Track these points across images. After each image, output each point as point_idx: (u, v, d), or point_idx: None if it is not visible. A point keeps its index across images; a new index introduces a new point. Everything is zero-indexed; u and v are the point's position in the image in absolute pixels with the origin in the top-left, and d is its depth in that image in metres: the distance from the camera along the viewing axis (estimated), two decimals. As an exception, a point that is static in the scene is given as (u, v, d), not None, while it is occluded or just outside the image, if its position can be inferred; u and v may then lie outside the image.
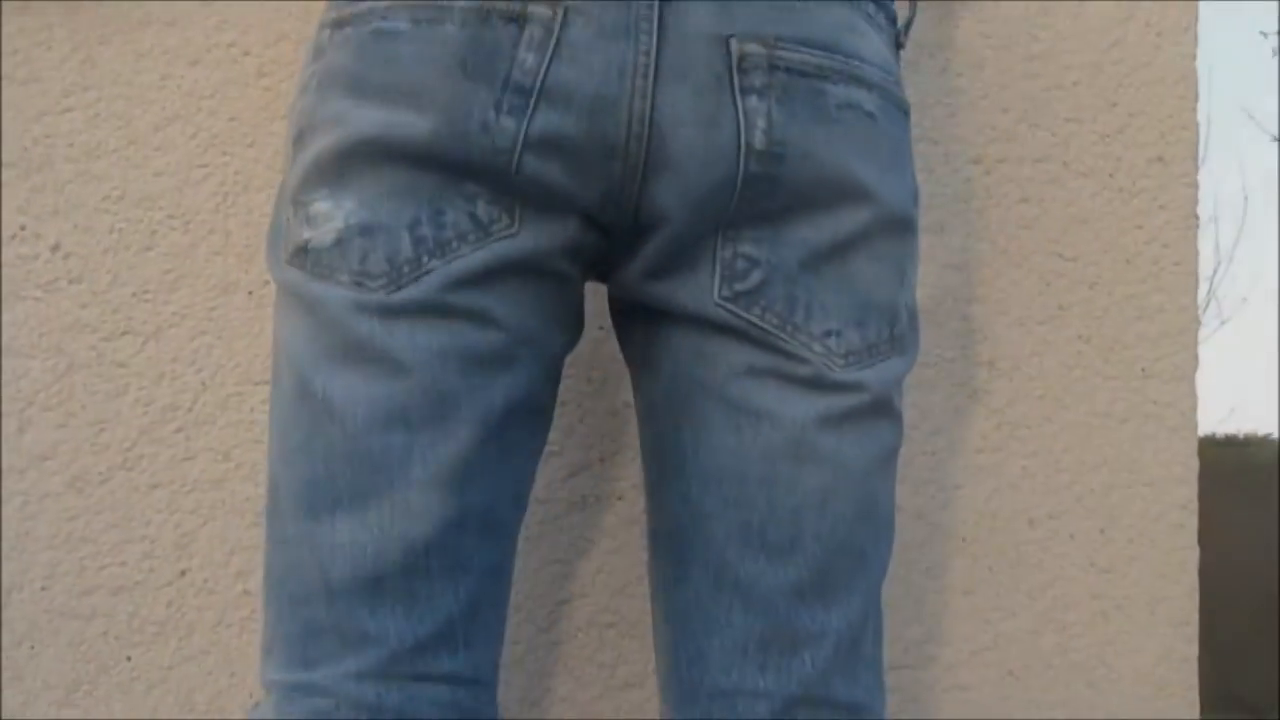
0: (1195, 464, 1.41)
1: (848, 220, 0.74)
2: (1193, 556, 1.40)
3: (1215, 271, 7.34)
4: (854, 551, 0.75)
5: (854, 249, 0.75)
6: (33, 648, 1.16)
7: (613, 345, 1.27)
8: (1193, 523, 1.41)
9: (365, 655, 0.71)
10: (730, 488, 0.74)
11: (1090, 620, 1.36)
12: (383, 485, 0.70)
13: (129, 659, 1.17)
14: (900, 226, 0.77)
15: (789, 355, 0.73)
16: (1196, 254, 1.44)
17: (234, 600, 1.18)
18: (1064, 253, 1.38)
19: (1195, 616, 1.40)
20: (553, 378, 0.77)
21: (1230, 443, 6.65)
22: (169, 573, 1.18)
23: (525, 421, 0.75)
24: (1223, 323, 6.66)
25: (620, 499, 1.26)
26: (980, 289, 1.36)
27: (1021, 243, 1.36)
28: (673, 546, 0.77)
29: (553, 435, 1.24)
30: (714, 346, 0.74)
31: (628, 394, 1.27)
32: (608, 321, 1.27)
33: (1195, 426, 1.43)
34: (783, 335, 0.74)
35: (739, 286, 0.73)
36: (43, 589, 1.16)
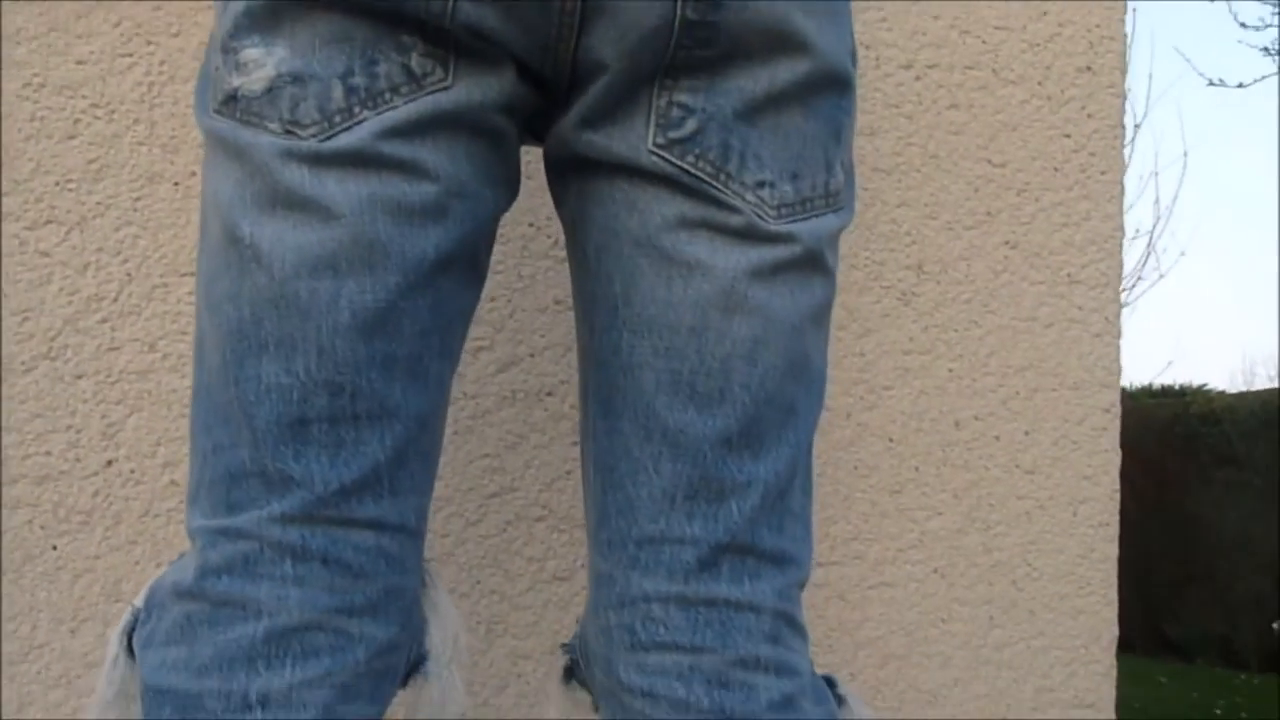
0: (1119, 369, 1.44)
1: (785, 72, 0.74)
2: (1114, 460, 1.43)
3: (1154, 227, 7.42)
4: (783, 404, 0.76)
5: (790, 102, 0.75)
6: (-45, 536, 1.15)
7: (542, 243, 1.27)
8: (1115, 426, 1.43)
9: (289, 499, 0.71)
10: (661, 338, 0.75)
11: (1014, 520, 1.39)
12: (310, 330, 0.70)
13: (55, 548, 1.16)
14: (838, 82, 0.77)
15: (721, 205, 0.74)
16: (1123, 164, 1.46)
17: (161, 490, 1.17)
18: (992, 159, 1.39)
19: (1116, 518, 1.43)
20: (486, 235, 0.77)
21: (1167, 393, 6.77)
22: (95, 463, 1.17)
23: (457, 275, 0.75)
24: (1161, 276, 6.73)
25: (550, 394, 1.27)
26: (909, 193, 1.37)
27: (951, 148, 1.38)
28: (603, 398, 0.78)
29: (483, 330, 1.24)
30: (646, 197, 0.75)
31: (557, 291, 1.28)
32: (539, 218, 1.28)
33: (1119, 333, 1.45)
34: (715, 184, 0.74)
35: (673, 134, 0.74)
36: (-35, 477, 1.15)
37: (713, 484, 0.75)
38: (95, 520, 1.16)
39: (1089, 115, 1.42)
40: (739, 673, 0.74)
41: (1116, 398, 1.44)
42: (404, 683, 0.79)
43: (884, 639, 1.35)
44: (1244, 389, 6.30)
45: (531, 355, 1.26)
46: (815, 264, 0.78)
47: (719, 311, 0.74)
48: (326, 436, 0.70)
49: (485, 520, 1.24)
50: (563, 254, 1.28)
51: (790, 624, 0.77)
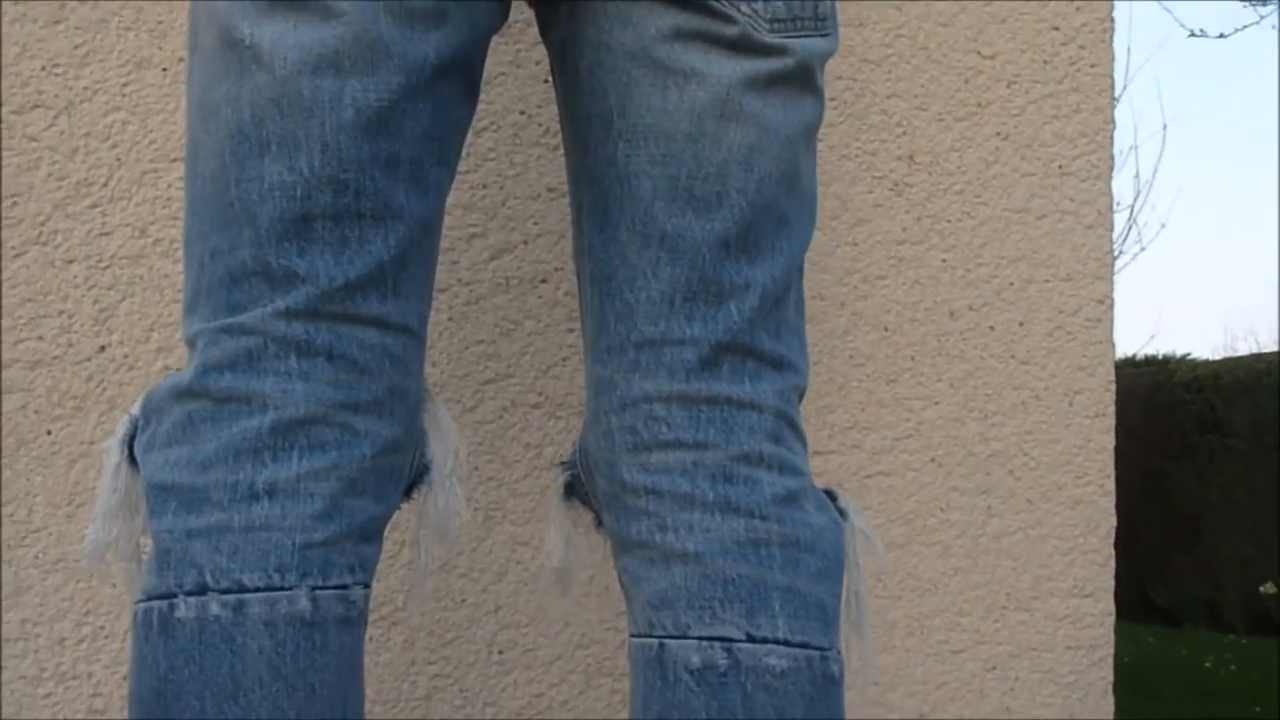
0: (1111, 261, 1.44)
1: None
2: (1109, 351, 1.43)
3: (1136, 199, 7.45)
4: (777, 214, 0.76)
5: None
6: (-52, 421, 1.14)
7: (534, 130, 1.27)
8: (1110, 317, 1.44)
9: (294, 294, 0.70)
10: (658, 145, 0.74)
11: (1010, 410, 1.39)
12: (313, 128, 0.69)
13: (49, 433, 1.15)
14: None
15: (716, 15, 0.73)
16: (1113, 58, 1.46)
17: (155, 375, 1.16)
18: (982, 50, 1.39)
19: (1112, 409, 1.43)
20: (481, 49, 0.77)
21: (1150, 363, 6.79)
22: (88, 348, 1.16)
23: (455, 85, 0.74)
24: (1143, 249, 6.76)
25: (544, 281, 1.26)
26: (900, 84, 1.37)
27: (940, 39, 1.37)
28: (599, 211, 0.77)
29: (475, 217, 1.24)
30: (640, 10, 0.74)
31: (550, 179, 1.27)
32: (530, 106, 1.27)
33: (1111, 225, 1.45)
34: None
35: None
36: (-44, 362, 1.14)
37: (711, 286, 0.74)
38: (89, 405, 1.15)
39: (1077, 8, 1.42)
40: (742, 467, 0.73)
41: (1110, 290, 1.44)
42: (407, 493, 0.78)
43: (882, 528, 1.35)
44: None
45: (525, 242, 1.26)
46: (807, 80, 0.78)
47: (715, 119, 0.74)
48: (330, 234, 0.70)
49: (481, 406, 1.24)
50: (554, 142, 1.27)
51: (791, 426, 0.77)
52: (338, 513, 0.70)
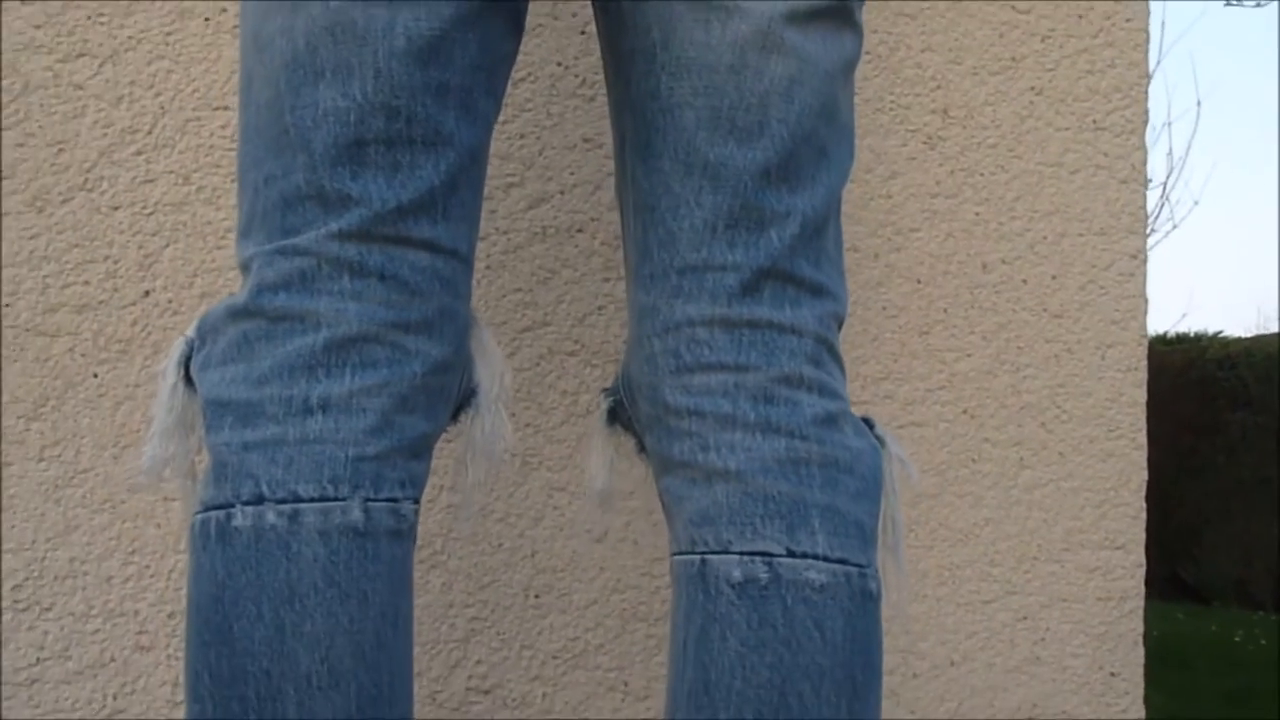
0: (1144, 216, 1.44)
1: None
2: (1141, 305, 1.43)
3: (1169, 176, 7.40)
4: (817, 145, 0.77)
5: None
6: (-2, 363, 1.16)
7: (570, 81, 1.28)
8: (1142, 273, 1.44)
9: (347, 216, 0.71)
10: (700, 77, 0.75)
11: (1043, 363, 1.39)
12: (366, 55, 0.71)
13: (95, 376, 1.17)
14: None
15: None
16: (1148, 13, 1.46)
17: (198, 320, 1.18)
18: (1017, 4, 1.39)
19: (1144, 363, 1.43)
20: None
21: (1181, 340, 6.76)
22: (133, 293, 1.18)
23: (502, 16, 0.75)
24: (1175, 226, 6.72)
25: (580, 231, 1.27)
26: (934, 38, 1.37)
27: (975, -7, 1.38)
28: (641, 142, 0.78)
29: (513, 167, 1.25)
30: None
31: (586, 129, 1.28)
32: (566, 57, 1.28)
33: (1145, 181, 1.45)
34: None
35: None
36: (7, 306, 1.16)
37: (753, 213, 0.75)
38: (134, 349, 1.18)
39: (1112, -38, 1.42)
40: (783, 389, 0.75)
41: (1143, 244, 1.44)
42: (454, 416, 0.79)
43: (915, 478, 1.35)
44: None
45: (561, 192, 1.27)
46: (847, 16, 0.79)
47: (756, 51, 0.75)
48: (383, 158, 0.71)
49: (519, 354, 1.25)
50: (591, 93, 1.28)
51: (830, 352, 0.78)
52: (389, 428, 0.71)
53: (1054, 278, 1.40)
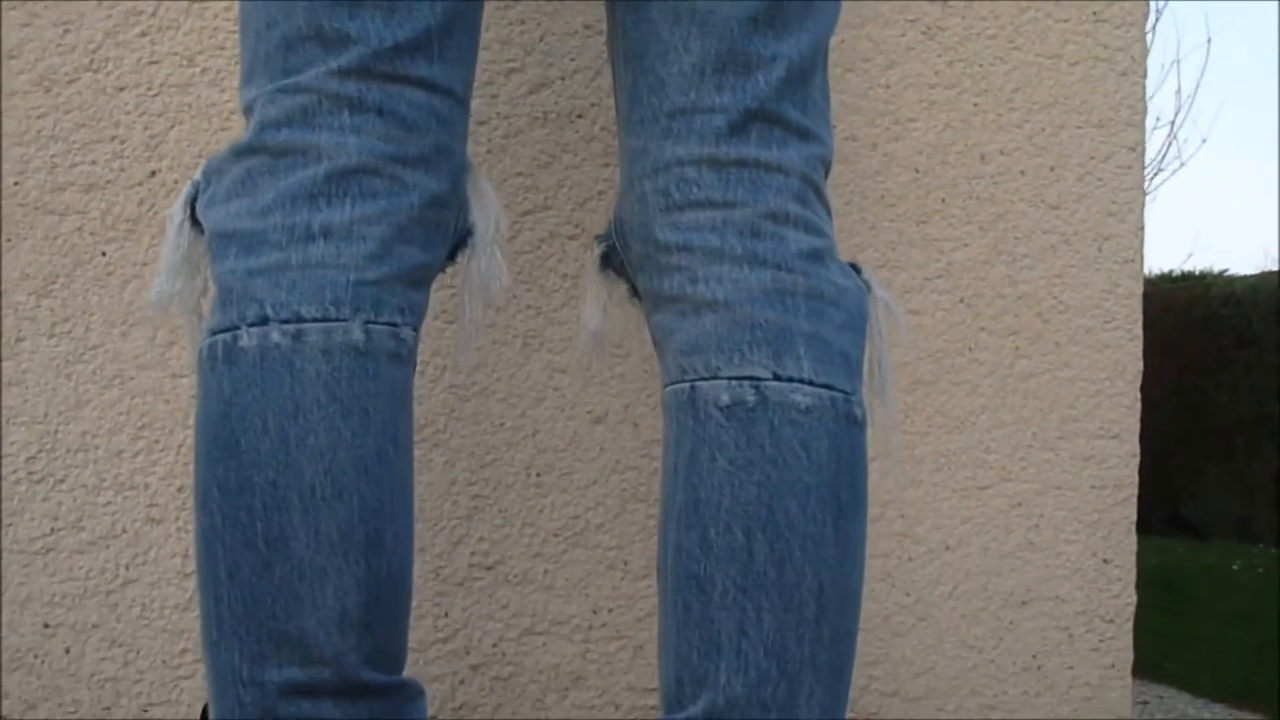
0: (1144, 108, 1.45)
1: None
2: (1139, 198, 1.45)
3: (1176, 115, 7.36)
4: None
5: None
6: (9, 240, 1.18)
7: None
8: (1139, 165, 1.45)
9: (346, 54, 0.73)
10: None
11: (1040, 253, 1.41)
12: None
13: (104, 254, 1.19)
14: None
15: None
16: (1145, -97, 1.46)
17: (204, 200, 1.20)
18: (1017, -105, 1.39)
19: (1141, 255, 1.45)
20: None
21: (1187, 278, 6.75)
22: (139, 173, 1.20)
23: None
24: (1182, 164, 6.69)
25: (580, 117, 1.29)
26: (934, -72, 1.37)
27: (975, -117, 1.38)
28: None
29: (514, 52, 1.26)
30: None
31: (586, 16, 1.29)
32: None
33: (1144, 73, 1.46)
34: None
35: None
36: (15, 184, 1.18)
37: (740, 58, 0.77)
38: (141, 229, 1.19)
39: None
40: (769, 224, 0.76)
41: (1141, 137, 1.45)
42: (452, 256, 0.81)
43: (912, 365, 1.37)
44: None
45: (562, 78, 1.28)
46: None
47: None
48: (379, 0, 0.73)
49: (520, 237, 1.27)
50: (591, -21, 1.29)
51: (816, 193, 0.79)
52: (388, 255, 0.73)
53: (1052, 169, 1.41)
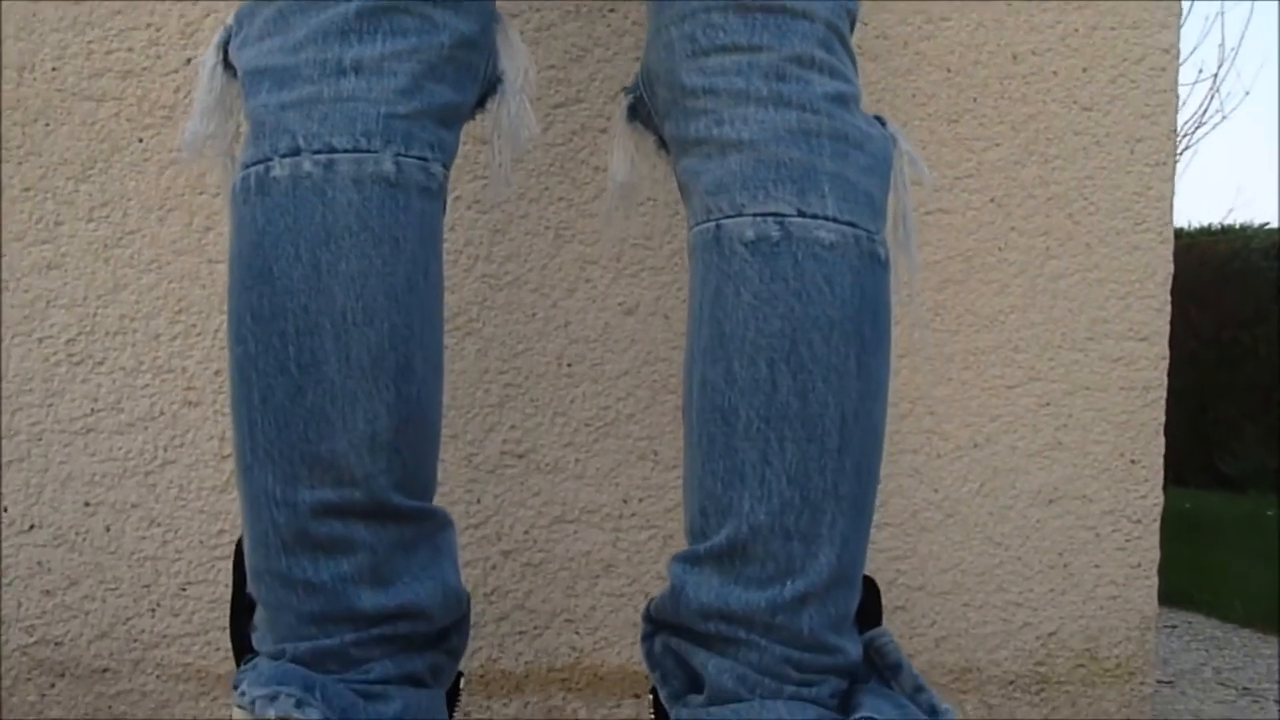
0: (1179, 10, 1.44)
1: None
2: (1172, 100, 1.44)
3: (1219, 68, 7.26)
4: None
5: None
6: (47, 125, 1.20)
7: None
8: (1174, 67, 1.44)
9: None
10: None
11: (1071, 154, 1.40)
12: None
13: (140, 140, 1.21)
14: None
15: None
16: None
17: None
18: None
19: (1172, 159, 1.44)
20: None
21: (1228, 231, 6.68)
22: (175, 60, 1.21)
23: None
24: (1224, 117, 6.61)
25: (612, 11, 1.29)
26: None
27: None
28: None
29: (546, -55, 1.26)
30: None
31: (619, -91, 1.29)
32: None
33: (1179, -26, 1.45)
34: None
35: None
36: (53, 70, 1.19)
37: None
38: (178, 115, 1.21)
39: None
40: (794, 68, 0.77)
41: (1175, 38, 1.44)
42: (481, 104, 0.82)
43: (942, 263, 1.38)
44: (1305, 226, 6.19)
45: (594, -29, 1.28)
46: None
47: None
48: None
49: (552, 129, 1.28)
50: (623, -126, 1.29)
51: (842, 41, 0.80)
52: (419, 91, 0.74)
53: (1084, 70, 1.40)
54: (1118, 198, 1.41)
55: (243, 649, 0.74)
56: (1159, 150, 1.42)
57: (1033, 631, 1.39)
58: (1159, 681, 1.86)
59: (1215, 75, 6.76)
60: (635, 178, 0.88)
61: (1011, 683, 1.39)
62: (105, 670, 1.20)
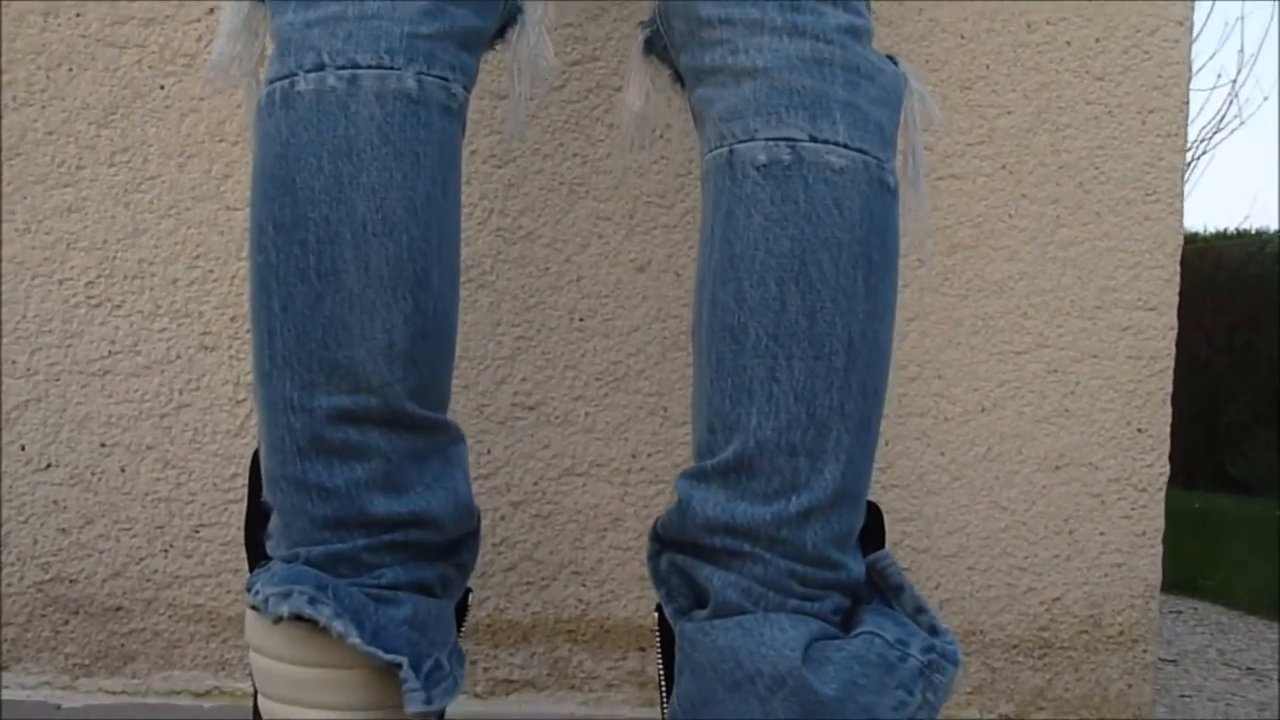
0: (1192, -18, 1.45)
1: None
2: (1185, 72, 1.45)
3: (1239, 73, 7.25)
4: None
5: None
6: (70, 70, 1.21)
7: None
8: (1188, 40, 1.45)
9: None
10: None
11: (1083, 124, 1.41)
12: None
13: (162, 88, 1.22)
14: None
15: None
16: None
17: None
18: None
19: (1185, 130, 1.45)
20: None
21: (1242, 236, 6.67)
22: (198, 9, 1.23)
23: None
24: (1242, 122, 6.60)
25: (630, -30, 1.30)
26: None
27: None
28: None
29: (565, -97, 1.28)
30: None
31: None
32: None
33: (1193, -53, 1.46)
34: None
35: None
36: (77, 15, 1.21)
37: None
38: (198, 64, 1.22)
39: None
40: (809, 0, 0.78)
41: (1190, 12, 1.45)
42: (501, 34, 0.83)
43: (952, 228, 1.39)
44: (1320, 232, 6.18)
45: (612, -70, 1.30)
46: None
47: None
48: None
49: (568, 87, 1.29)
50: None
51: None
52: (441, 14, 0.75)
53: (1098, 40, 1.41)
54: (1128, 168, 1.42)
55: (257, 557, 0.75)
56: (1171, 121, 1.43)
57: (1037, 597, 1.40)
58: (1163, 660, 1.86)
59: (1234, 81, 6.74)
60: (650, 110, 0.90)
61: (1015, 647, 1.40)
62: (118, 609, 1.21)
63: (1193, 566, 2.66)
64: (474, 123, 1.28)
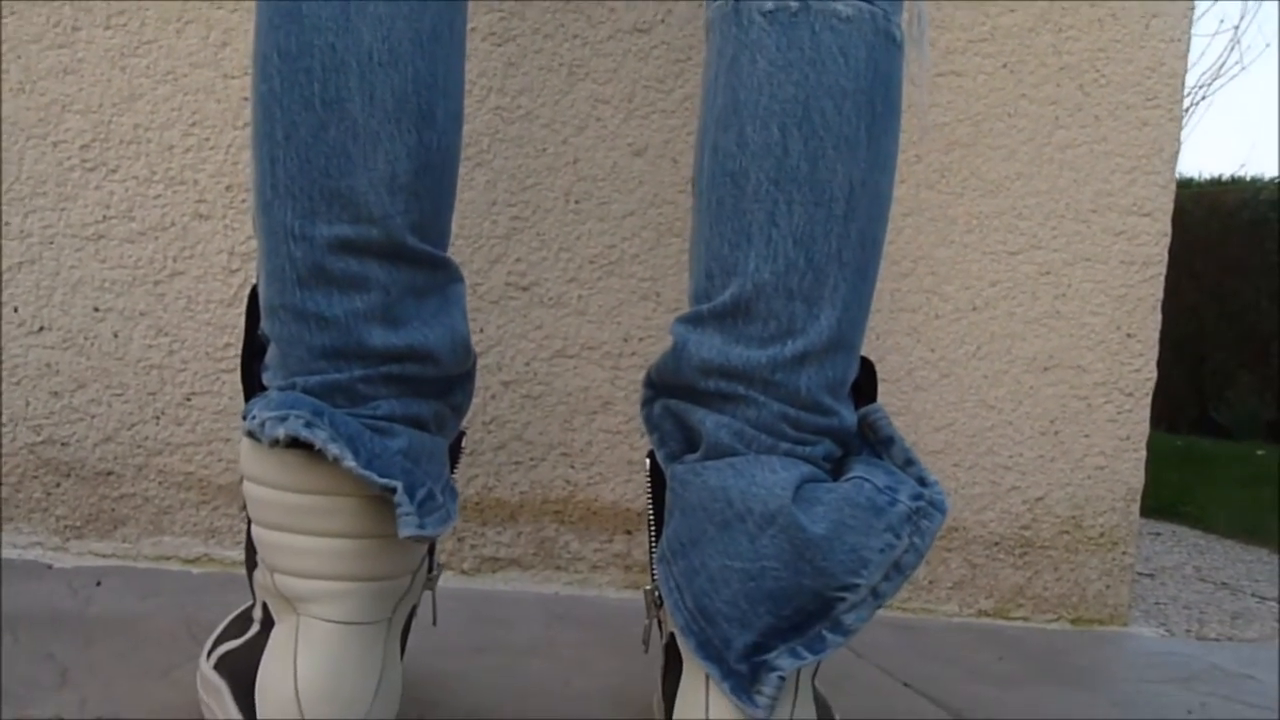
0: (1201, -113, 1.43)
1: None
2: (1191, -20, 1.44)
3: (1242, 19, 7.20)
4: None
5: None
6: (68, -71, 1.20)
7: None
8: (1193, -55, 1.44)
9: None
10: None
11: (1086, 25, 1.41)
12: None
13: (161, -50, 1.21)
14: None
15: None
16: None
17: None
18: None
19: (1189, 35, 1.44)
20: None
21: (1237, 183, 6.66)
22: (198, -128, 1.21)
23: None
24: (1243, 68, 6.57)
25: None
26: None
27: None
28: None
29: None
30: None
31: None
32: None
33: None
34: None
35: None
36: (77, -126, 1.19)
37: None
38: (199, -72, 1.21)
39: None
40: None
41: (1197, -82, 1.44)
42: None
43: (951, 126, 1.38)
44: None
45: None
46: None
47: None
48: None
49: (570, -34, 1.28)
50: None
51: None
52: None
53: (1104, -59, 1.41)
54: (1129, 72, 1.42)
55: (253, 389, 0.76)
56: (1175, 26, 1.43)
57: (1020, 495, 1.42)
58: (1141, 574, 1.89)
59: (1236, 27, 6.70)
60: None
61: (996, 544, 1.42)
62: (109, 474, 1.22)
63: (1173, 496, 2.68)
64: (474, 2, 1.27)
